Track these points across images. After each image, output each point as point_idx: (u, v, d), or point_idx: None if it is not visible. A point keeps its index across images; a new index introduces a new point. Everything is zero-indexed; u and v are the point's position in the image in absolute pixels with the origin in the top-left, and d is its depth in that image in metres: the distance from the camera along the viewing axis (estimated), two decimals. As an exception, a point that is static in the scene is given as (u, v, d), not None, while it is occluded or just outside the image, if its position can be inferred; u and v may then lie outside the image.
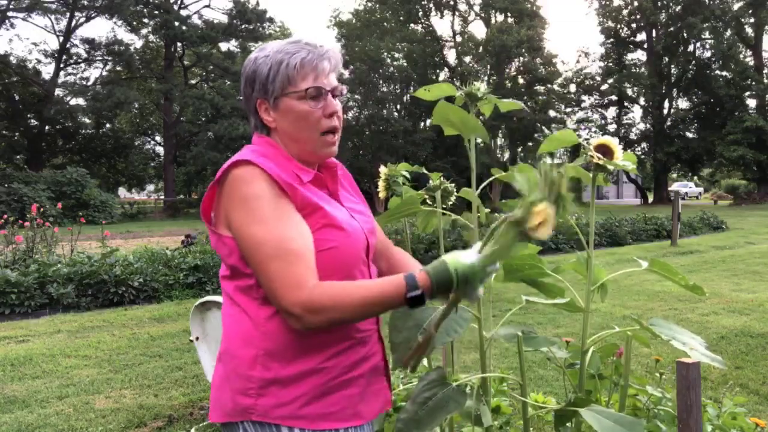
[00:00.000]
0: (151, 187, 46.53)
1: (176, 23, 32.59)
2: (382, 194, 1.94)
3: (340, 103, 1.28)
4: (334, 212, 1.21)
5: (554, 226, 1.02)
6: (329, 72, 1.25)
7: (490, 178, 1.71)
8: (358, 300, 1.08)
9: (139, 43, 36.56)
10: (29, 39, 60.74)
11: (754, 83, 36.33)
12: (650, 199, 41.22)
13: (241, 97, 1.32)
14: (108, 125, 36.97)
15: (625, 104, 41.60)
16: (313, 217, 1.18)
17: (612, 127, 41.20)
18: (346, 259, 1.21)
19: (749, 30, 38.10)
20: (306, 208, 1.17)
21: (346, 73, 36.53)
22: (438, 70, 40.97)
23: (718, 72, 38.23)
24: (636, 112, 44.30)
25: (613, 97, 40.72)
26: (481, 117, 1.62)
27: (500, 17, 40.29)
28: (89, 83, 34.39)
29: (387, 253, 1.46)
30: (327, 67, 1.24)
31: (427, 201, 1.81)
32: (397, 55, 38.85)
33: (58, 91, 32.60)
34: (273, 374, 1.17)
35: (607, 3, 41.19)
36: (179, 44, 34.43)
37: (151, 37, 36.07)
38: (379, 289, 1.09)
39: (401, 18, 40.37)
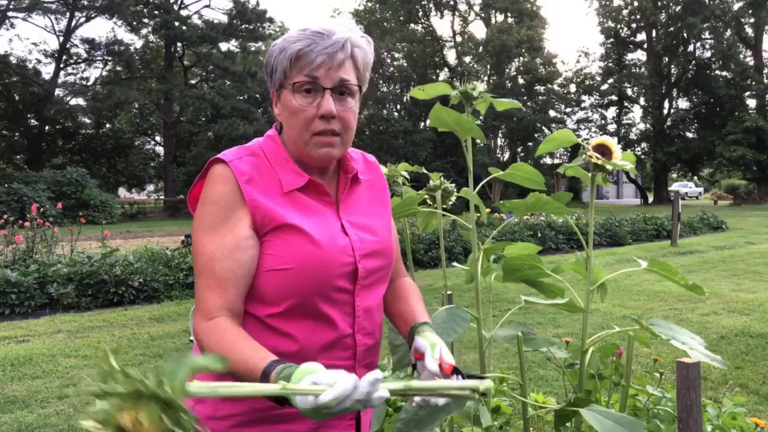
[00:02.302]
0: (151, 187, 46.50)
1: (176, 23, 32.56)
2: (382, 194, 1.94)
3: (353, 99, 1.12)
4: (309, 227, 1.08)
5: None
6: (336, 65, 1.08)
7: (488, 178, 1.71)
8: (227, 358, 0.92)
9: (139, 43, 36.58)
10: (29, 39, 60.79)
11: (754, 83, 36.34)
12: (650, 199, 41.23)
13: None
14: (108, 125, 36.98)
15: (625, 104, 41.62)
16: (277, 232, 1.07)
17: (612, 127, 41.22)
18: (304, 283, 1.06)
19: (749, 30, 38.10)
20: (270, 222, 1.07)
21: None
22: (438, 70, 40.99)
23: (718, 72, 38.27)
24: (636, 112, 44.45)
25: (613, 97, 40.73)
26: (480, 117, 1.62)
27: (500, 17, 40.32)
28: (89, 83, 34.40)
29: (393, 283, 1.29)
30: (333, 60, 1.07)
31: (427, 201, 1.81)
32: (397, 55, 38.88)
33: (58, 91, 32.61)
34: (213, 381, 1.10)
35: (607, 3, 41.21)
36: (179, 44, 34.41)
37: (151, 37, 36.05)
38: (241, 362, 0.96)
39: (401, 18, 40.38)
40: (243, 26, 34.70)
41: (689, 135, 39.80)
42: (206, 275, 1.06)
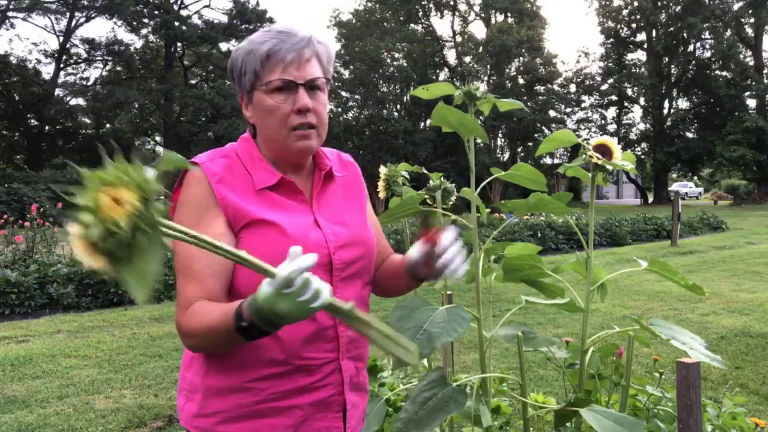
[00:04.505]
0: (151, 187, 46.50)
1: (176, 23, 32.57)
2: (381, 194, 1.94)
3: (323, 93, 1.16)
4: (281, 221, 1.11)
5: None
6: (305, 62, 1.12)
7: (490, 178, 1.71)
8: (207, 328, 1.00)
9: (139, 43, 36.55)
10: (29, 39, 60.64)
11: (754, 83, 36.36)
12: (650, 199, 41.24)
13: None
14: (108, 125, 36.97)
15: (625, 104, 41.62)
16: (251, 228, 1.10)
17: (612, 127, 41.22)
18: None
19: (749, 30, 38.12)
20: (242, 219, 1.10)
21: (346, 73, 36.54)
22: (438, 70, 40.99)
23: (718, 72, 38.29)
24: (636, 112, 44.43)
25: (613, 97, 40.74)
26: (480, 117, 1.62)
27: (500, 17, 40.34)
28: (89, 83, 34.40)
29: (384, 262, 1.33)
30: (302, 57, 1.12)
31: (427, 201, 1.81)
32: (397, 55, 38.87)
33: (58, 91, 32.61)
34: (201, 381, 1.12)
35: (607, 3, 41.22)
36: (179, 44, 34.41)
37: (151, 37, 36.03)
38: (218, 317, 0.98)
39: (401, 18, 40.39)
40: (243, 26, 34.69)
41: (689, 135, 39.80)
42: (185, 273, 1.09)
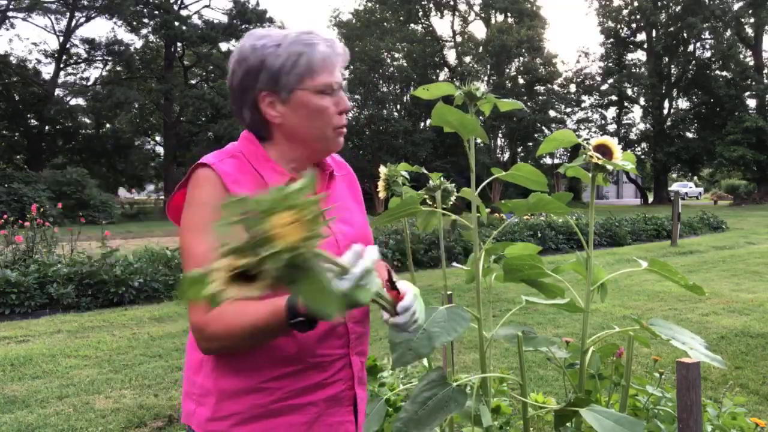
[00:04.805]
0: (151, 187, 46.48)
1: (176, 23, 32.56)
2: (381, 194, 1.94)
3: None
4: None
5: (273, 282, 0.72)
6: (342, 66, 1.18)
7: (490, 178, 1.71)
8: (241, 328, 1.00)
9: (139, 43, 36.53)
10: (29, 39, 60.63)
11: (754, 83, 36.35)
12: (650, 199, 41.23)
13: (231, 89, 1.18)
14: (108, 125, 36.96)
15: (625, 104, 41.62)
16: None
17: (612, 127, 41.22)
18: None
19: (749, 30, 38.11)
20: None
21: (346, 73, 36.52)
22: (438, 70, 40.99)
23: (718, 72, 38.28)
24: (636, 112, 44.40)
25: (613, 97, 40.73)
26: (480, 117, 1.62)
27: (500, 17, 40.33)
28: (89, 83, 34.39)
29: None
30: (340, 62, 1.17)
31: (427, 201, 1.81)
32: (397, 55, 38.86)
33: (58, 91, 32.60)
34: (213, 384, 1.11)
35: (607, 3, 41.21)
36: (179, 44, 34.40)
37: (151, 37, 36.02)
38: (258, 317, 0.98)
39: (401, 18, 40.38)
40: (243, 26, 34.66)
41: (689, 135, 39.80)
42: None
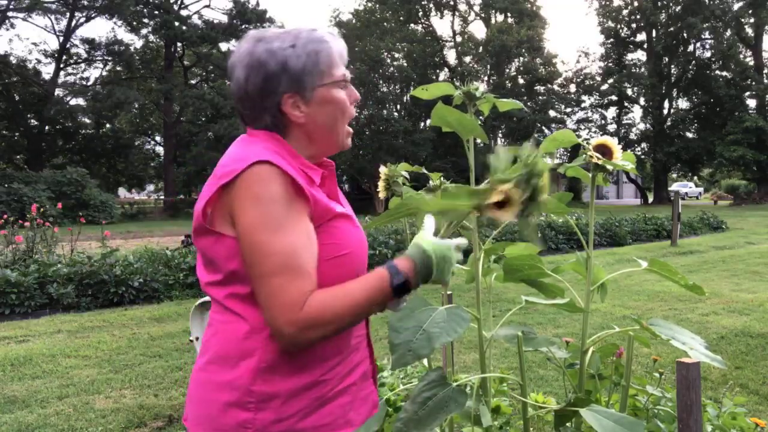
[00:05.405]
0: (151, 187, 46.49)
1: (176, 23, 32.60)
2: (382, 194, 1.94)
3: None
4: (348, 213, 1.19)
5: (517, 212, 0.99)
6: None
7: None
8: (349, 307, 1.05)
9: (139, 43, 36.60)
10: (29, 39, 60.73)
11: (754, 83, 36.36)
12: (650, 199, 41.24)
13: (247, 96, 1.14)
14: (108, 125, 36.97)
15: (625, 104, 41.63)
16: (333, 221, 1.12)
17: (612, 127, 41.23)
18: (358, 265, 1.16)
19: (749, 30, 38.12)
20: (326, 214, 1.11)
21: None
22: (438, 70, 40.99)
23: (718, 72, 38.28)
24: (636, 112, 44.43)
25: (613, 97, 40.75)
26: (480, 117, 1.62)
27: (500, 17, 40.36)
28: (89, 83, 34.43)
29: None
30: (345, 54, 1.21)
31: (427, 201, 1.80)
32: (397, 55, 38.87)
33: (58, 91, 32.63)
34: (274, 388, 1.10)
35: (607, 3, 41.23)
36: (179, 44, 34.44)
37: (151, 37, 36.06)
38: (365, 288, 1.06)
39: (401, 18, 40.39)
40: (243, 26, 34.70)
41: (689, 135, 39.80)
42: (285, 272, 1.03)
